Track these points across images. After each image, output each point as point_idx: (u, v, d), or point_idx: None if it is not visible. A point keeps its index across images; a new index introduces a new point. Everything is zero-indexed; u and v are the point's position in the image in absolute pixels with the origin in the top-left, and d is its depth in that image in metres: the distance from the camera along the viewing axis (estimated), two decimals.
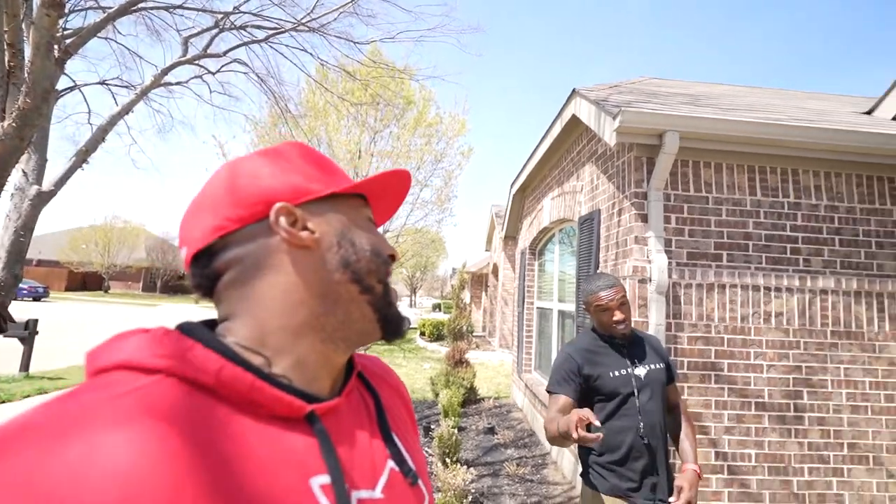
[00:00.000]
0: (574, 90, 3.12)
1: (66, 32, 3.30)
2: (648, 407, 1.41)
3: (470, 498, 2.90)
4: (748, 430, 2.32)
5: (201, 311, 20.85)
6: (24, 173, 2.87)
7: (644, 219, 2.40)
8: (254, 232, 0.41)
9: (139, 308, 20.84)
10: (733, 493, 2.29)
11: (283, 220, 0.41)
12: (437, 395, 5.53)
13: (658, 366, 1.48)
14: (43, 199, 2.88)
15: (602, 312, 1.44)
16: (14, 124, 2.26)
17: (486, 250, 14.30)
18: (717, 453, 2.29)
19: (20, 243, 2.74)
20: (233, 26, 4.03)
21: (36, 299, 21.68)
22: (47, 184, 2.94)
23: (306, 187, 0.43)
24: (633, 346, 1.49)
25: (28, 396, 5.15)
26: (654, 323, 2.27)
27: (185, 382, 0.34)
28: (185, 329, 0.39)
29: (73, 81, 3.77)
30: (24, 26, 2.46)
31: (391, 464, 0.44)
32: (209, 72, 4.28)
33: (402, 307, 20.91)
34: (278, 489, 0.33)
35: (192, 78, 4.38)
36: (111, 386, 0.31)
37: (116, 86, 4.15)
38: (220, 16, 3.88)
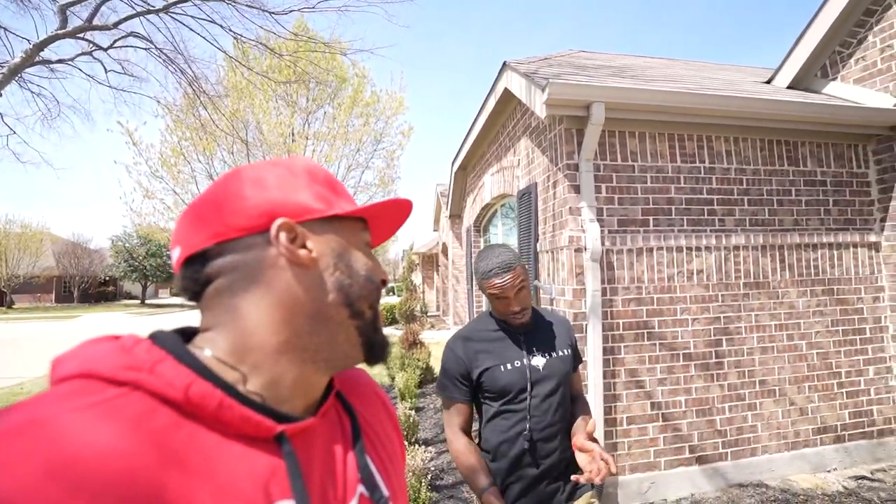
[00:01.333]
0: (505, 63, 3.09)
1: None
2: (543, 406, 1.22)
3: (430, 476, 2.93)
4: (678, 380, 2.54)
5: (129, 318, 19.03)
6: None
7: (577, 190, 2.46)
8: (252, 243, 0.41)
9: (55, 322, 18.52)
10: (668, 437, 2.50)
11: (283, 235, 0.41)
12: (392, 378, 5.52)
13: (563, 352, 1.28)
14: None
15: (496, 300, 1.23)
16: None
17: (434, 230, 14.29)
18: (652, 404, 2.49)
19: None
20: None
21: None
22: None
23: (309, 206, 0.43)
24: (533, 332, 1.29)
25: None
26: (590, 289, 2.37)
27: (153, 397, 0.33)
28: (159, 339, 0.38)
29: None
30: None
31: (361, 489, 0.44)
32: (99, 47, 3.74)
33: None
34: None
35: (80, 55, 3.80)
36: (74, 396, 0.30)
37: None
38: None
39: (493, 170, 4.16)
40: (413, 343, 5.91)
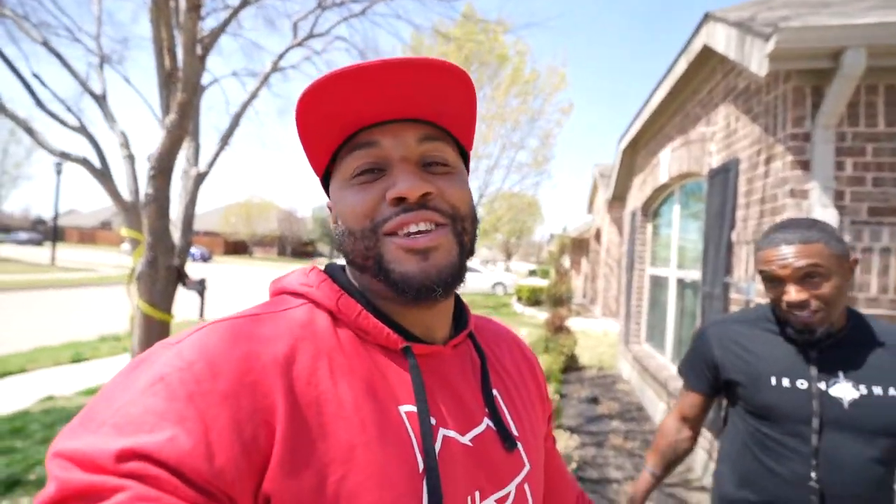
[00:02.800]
0: (707, 14, 2.58)
1: (203, 35, 3.78)
2: (841, 453, 0.79)
3: (574, 465, 2.86)
4: None
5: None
6: (187, 158, 3.45)
7: (805, 166, 1.93)
8: None
9: (275, 269, 24.63)
10: None
11: (332, 216, 0.48)
12: None
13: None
14: (200, 178, 3.44)
15: (769, 283, 0.85)
16: (176, 117, 2.70)
17: (588, 213, 13.36)
18: None
19: (189, 215, 3.34)
20: (333, 4, 4.19)
21: (204, 261, 27.09)
22: (202, 165, 3.50)
23: (315, 176, 0.48)
24: (838, 349, 0.84)
25: None
26: None
27: (317, 306, 0.42)
28: (328, 268, 0.48)
29: (214, 76, 4.36)
30: (175, 33, 2.88)
31: (488, 422, 0.45)
32: (316, 52, 4.57)
33: (498, 271, 20.97)
34: (369, 406, 0.38)
35: (302, 60, 4.72)
36: (275, 305, 0.42)
37: (245, 76, 4.69)
38: None
39: (673, 145, 3.60)
40: (559, 328, 5.75)
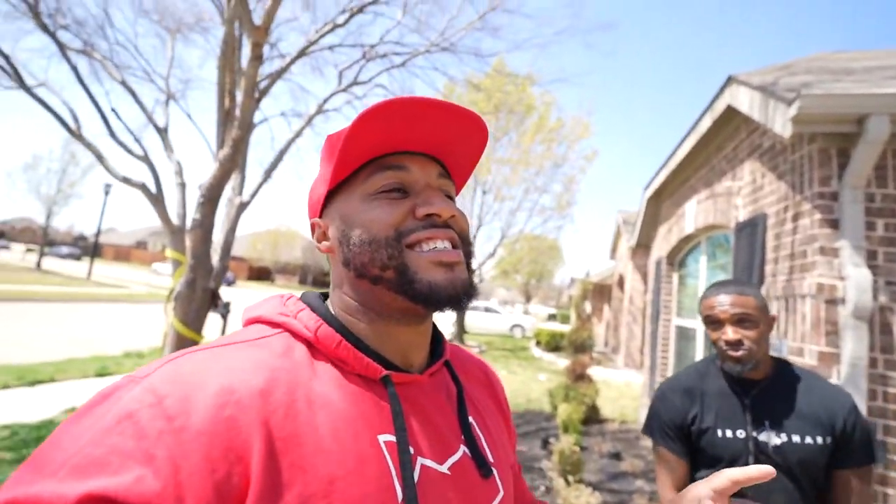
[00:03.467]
0: (730, 77, 2.71)
1: (260, 79, 4.17)
2: (769, 486, 0.88)
3: None
4: None
5: None
6: (233, 189, 3.72)
7: (833, 224, 1.94)
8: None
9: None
10: None
11: (315, 234, 0.48)
12: (555, 407, 5.32)
13: (814, 440, 0.94)
14: (243, 207, 3.69)
15: (710, 326, 1.04)
16: (229, 151, 2.95)
17: (611, 259, 13.23)
18: None
19: (228, 242, 3.55)
20: (376, 55, 4.58)
21: (228, 285, 27.84)
22: (246, 195, 3.75)
23: (319, 196, 0.47)
24: (768, 395, 1.00)
25: None
26: (848, 356, 1.81)
27: (295, 337, 0.42)
28: (305, 296, 0.48)
29: (264, 115, 4.75)
30: (236, 78, 3.21)
31: (465, 449, 0.45)
32: (357, 97, 4.95)
33: (517, 313, 20.64)
34: (349, 437, 0.37)
35: (344, 104, 5.11)
36: (251, 334, 0.42)
37: (291, 116, 5.09)
38: (367, 48, 4.45)
39: (699, 197, 3.64)
40: (580, 376, 5.58)
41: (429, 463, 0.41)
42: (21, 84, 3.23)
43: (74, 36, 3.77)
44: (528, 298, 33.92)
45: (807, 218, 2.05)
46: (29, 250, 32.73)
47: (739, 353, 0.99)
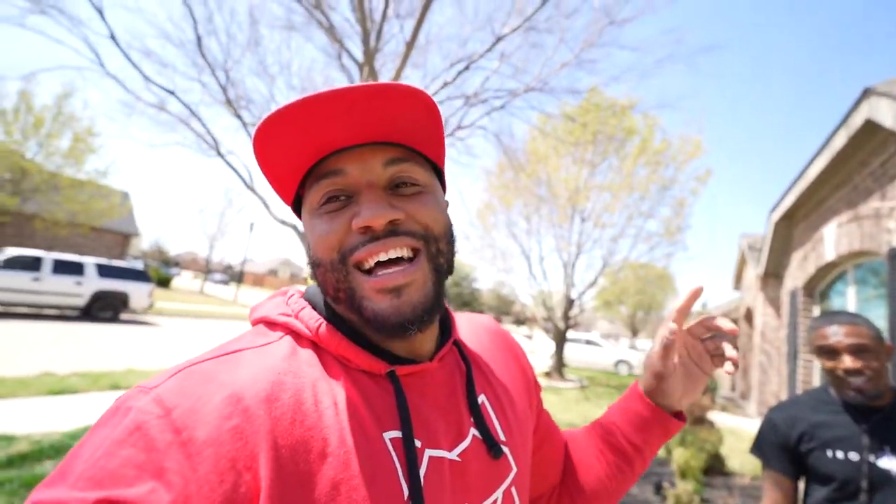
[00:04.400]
0: (867, 90, 2.46)
1: None
2: None
3: None
4: None
5: None
6: None
7: None
8: None
9: None
10: None
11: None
12: (669, 451, 4.86)
13: None
14: None
15: (826, 356, 1.03)
16: None
17: (735, 290, 11.63)
18: None
19: None
20: (477, 101, 5.04)
21: None
22: None
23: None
24: (888, 421, 1.00)
25: None
26: None
27: (298, 336, 0.42)
28: (309, 294, 0.46)
29: None
30: None
31: (474, 432, 0.45)
32: (460, 139, 5.46)
33: (622, 347, 18.91)
34: (355, 437, 0.37)
35: (449, 147, 5.66)
36: (255, 339, 0.41)
37: None
38: (469, 96, 4.94)
39: (840, 219, 3.22)
40: (699, 419, 5.03)
41: (437, 453, 0.41)
42: (219, 153, 4.36)
43: (250, 113, 4.95)
44: (634, 332, 30.96)
45: None
46: (195, 277, 40.72)
47: (860, 381, 0.99)
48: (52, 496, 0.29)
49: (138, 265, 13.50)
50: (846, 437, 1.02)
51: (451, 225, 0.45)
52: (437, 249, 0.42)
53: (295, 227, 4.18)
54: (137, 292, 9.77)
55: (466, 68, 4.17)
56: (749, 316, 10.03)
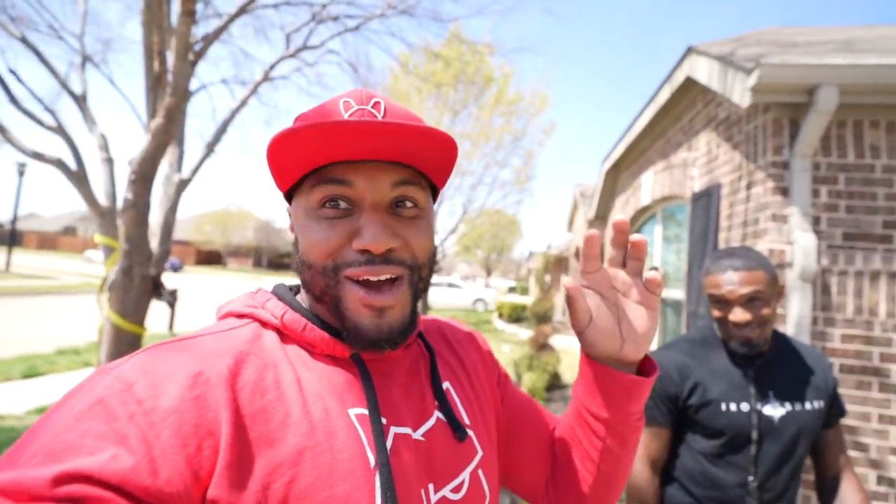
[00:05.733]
0: (690, 48, 2.73)
1: (195, 41, 3.71)
2: (771, 457, 0.96)
3: None
4: None
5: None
6: (170, 164, 3.35)
7: (784, 192, 2.03)
8: None
9: (249, 281, 23.86)
10: None
11: (288, 217, 0.48)
12: (519, 377, 5.49)
13: (813, 405, 0.98)
14: (183, 185, 3.34)
15: (717, 305, 0.99)
16: (163, 121, 2.62)
17: (568, 232, 13.66)
18: (880, 477, 1.92)
19: (169, 223, 3.22)
20: (328, 17, 4.21)
21: (175, 271, 26.01)
22: (186, 172, 3.40)
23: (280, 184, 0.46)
24: (770, 368, 1.00)
25: None
26: (794, 315, 1.94)
27: (263, 325, 0.43)
28: (274, 288, 0.49)
29: (202, 82, 4.28)
30: (166, 37, 2.82)
31: (438, 414, 0.47)
32: (308, 64, 4.58)
33: (478, 287, 20.96)
34: (319, 412, 0.38)
35: (294, 72, 4.71)
36: (220, 326, 0.43)
37: (233, 84, 4.63)
38: (317, 8, 4.08)
39: (655, 168, 3.74)
40: (543, 346, 5.78)
41: (402, 430, 0.42)
42: None
43: None
44: (488, 272, 34.58)
45: (759, 186, 2.13)
46: None
47: (748, 331, 0.96)
48: (7, 478, 0.27)
49: None
50: (736, 387, 0.99)
51: (435, 250, 0.47)
52: (419, 277, 0.44)
53: (61, 163, 2.93)
54: None
55: None
56: (578, 254, 11.95)
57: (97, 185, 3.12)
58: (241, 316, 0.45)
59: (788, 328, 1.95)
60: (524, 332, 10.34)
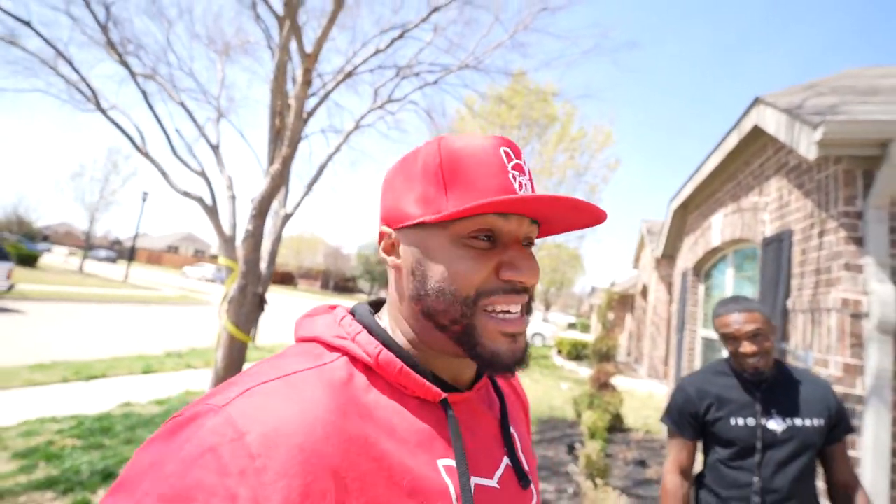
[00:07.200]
0: (757, 98, 2.81)
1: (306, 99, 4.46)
2: (774, 464, 1.14)
3: None
4: None
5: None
6: (278, 201, 4.00)
7: (858, 242, 2.03)
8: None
9: (316, 300, 25.55)
10: None
11: (382, 243, 0.47)
12: (579, 415, 5.39)
13: (813, 422, 1.15)
14: (287, 218, 3.97)
15: (728, 341, 1.23)
16: (279, 167, 3.22)
17: (634, 269, 13.12)
18: None
19: (274, 250, 3.83)
20: (410, 74, 4.82)
21: None
22: (289, 207, 4.03)
23: (406, 212, 0.43)
24: (773, 388, 1.21)
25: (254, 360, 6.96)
26: (873, 367, 1.89)
27: (354, 361, 0.42)
28: (358, 313, 0.47)
29: (305, 132, 5.05)
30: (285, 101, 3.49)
31: (506, 461, 0.47)
32: (391, 113, 5.21)
33: (536, 321, 20.48)
34: (412, 462, 0.38)
35: (378, 120, 5.37)
36: (311, 357, 0.41)
37: (329, 133, 5.39)
38: (402, 68, 4.70)
39: (725, 210, 3.72)
40: (604, 385, 5.63)
41: (482, 481, 0.43)
42: (98, 107, 3.60)
43: (140, 61, 4.16)
44: (547, 307, 33.65)
45: (832, 235, 2.14)
46: (71, 254, 34.60)
47: (755, 361, 1.18)
48: None
49: None
50: (744, 406, 1.21)
51: None
52: (531, 308, 0.46)
53: (201, 200, 3.66)
54: None
55: (400, 37, 3.93)
56: (644, 292, 11.41)
57: (223, 217, 3.82)
58: (329, 347, 0.43)
59: (867, 379, 1.90)
60: (584, 371, 9.98)
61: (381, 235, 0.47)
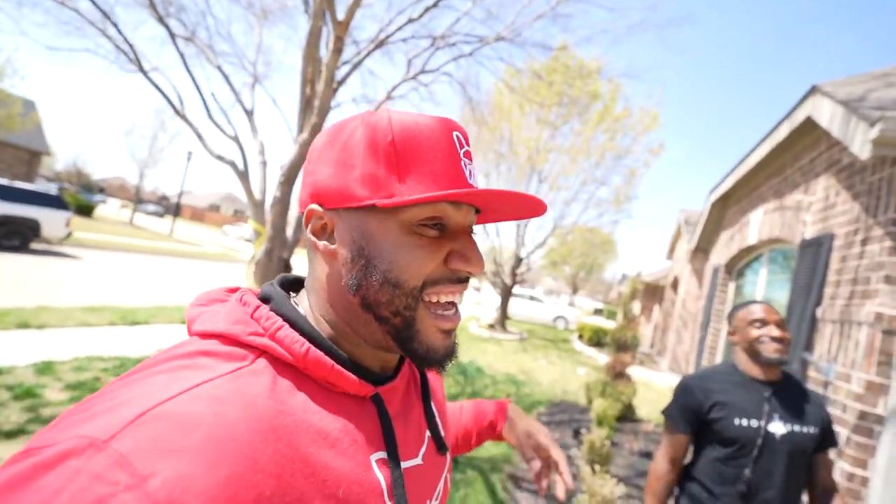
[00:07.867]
0: (814, 87, 2.56)
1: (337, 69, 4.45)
2: (768, 465, 1.18)
3: None
4: None
5: None
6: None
7: None
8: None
9: None
10: None
11: (311, 223, 0.41)
12: (590, 401, 5.40)
13: (808, 430, 1.19)
14: None
15: (758, 325, 1.23)
16: (308, 136, 3.28)
17: (668, 259, 12.63)
18: None
19: (300, 218, 3.96)
20: (445, 44, 4.69)
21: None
22: None
23: (346, 192, 0.39)
24: (781, 392, 1.23)
25: None
26: None
27: (275, 361, 0.36)
28: (275, 304, 0.40)
29: (337, 101, 5.07)
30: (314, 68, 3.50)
31: (428, 433, 0.48)
32: (424, 84, 5.12)
33: (561, 304, 20.24)
34: (346, 466, 0.36)
35: (410, 90, 5.30)
36: (218, 358, 0.34)
37: (361, 102, 5.38)
38: (437, 38, 4.57)
39: (766, 207, 3.48)
40: (619, 374, 5.58)
41: (410, 464, 0.43)
42: (140, 69, 3.75)
43: (181, 24, 4.26)
44: (574, 290, 33.12)
45: (876, 244, 1.97)
46: (123, 206, 37.05)
47: (780, 345, 1.20)
48: None
49: (52, 189, 11.93)
50: (751, 407, 1.23)
51: None
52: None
53: (234, 164, 3.80)
54: (51, 220, 8.70)
55: (435, 5, 3.81)
56: (675, 284, 11.01)
57: (254, 181, 3.96)
58: (241, 345, 0.36)
59: (890, 399, 1.79)
60: (604, 358, 9.89)
61: (310, 214, 0.41)
